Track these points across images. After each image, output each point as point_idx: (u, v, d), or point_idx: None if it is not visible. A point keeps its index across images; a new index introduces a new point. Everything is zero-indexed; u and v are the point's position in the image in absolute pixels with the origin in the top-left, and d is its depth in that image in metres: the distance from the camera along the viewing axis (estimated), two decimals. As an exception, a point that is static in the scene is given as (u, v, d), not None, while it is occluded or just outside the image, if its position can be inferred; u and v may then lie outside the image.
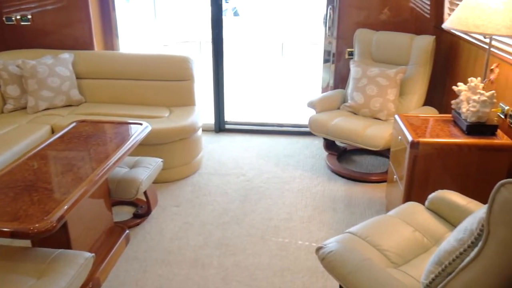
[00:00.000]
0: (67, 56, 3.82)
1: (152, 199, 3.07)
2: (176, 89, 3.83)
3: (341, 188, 3.46)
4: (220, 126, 4.54)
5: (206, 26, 4.24)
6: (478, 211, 1.48)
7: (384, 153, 3.80)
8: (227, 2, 9.49)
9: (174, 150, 3.42)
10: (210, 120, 4.53)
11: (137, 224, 2.97)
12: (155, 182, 3.26)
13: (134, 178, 2.74)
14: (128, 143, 2.58)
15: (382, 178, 3.51)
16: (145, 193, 2.97)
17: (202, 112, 3.93)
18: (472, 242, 1.43)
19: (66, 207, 1.92)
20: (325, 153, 3.98)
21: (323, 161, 3.90)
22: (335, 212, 3.13)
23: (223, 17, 4.30)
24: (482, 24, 2.35)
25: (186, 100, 3.84)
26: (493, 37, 2.57)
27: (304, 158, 3.98)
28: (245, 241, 2.82)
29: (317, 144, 4.24)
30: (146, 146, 3.29)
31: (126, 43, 4.61)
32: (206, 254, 2.69)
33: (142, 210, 3.06)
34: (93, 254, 1.99)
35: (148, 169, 2.88)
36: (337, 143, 4.02)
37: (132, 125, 2.88)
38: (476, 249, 1.37)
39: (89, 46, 4.08)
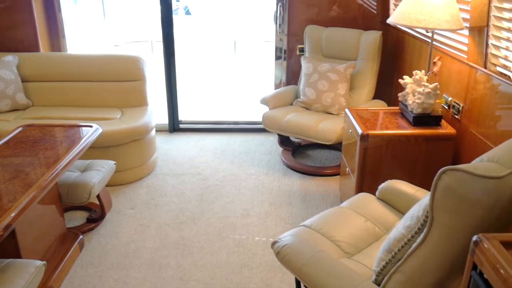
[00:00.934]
0: (11, 58, 3.67)
1: (106, 202, 3.01)
2: (128, 90, 3.77)
3: (296, 182, 3.50)
4: (175, 126, 4.49)
5: (157, 25, 4.18)
6: (424, 198, 1.53)
7: (337, 146, 3.88)
8: (178, 1, 9.38)
9: (127, 152, 3.36)
10: (164, 120, 4.48)
11: (91, 229, 2.90)
12: (109, 185, 3.20)
13: (85, 182, 2.68)
14: (78, 146, 2.52)
15: (335, 171, 3.59)
16: (98, 196, 2.90)
17: (156, 112, 3.88)
18: (418, 229, 1.48)
19: (13, 214, 1.86)
20: (280, 149, 4.02)
21: (278, 157, 3.93)
22: (291, 206, 3.17)
23: (175, 16, 4.26)
24: (424, 19, 2.44)
25: (138, 101, 3.78)
26: (435, 31, 2.67)
27: (260, 154, 4.00)
28: (203, 240, 2.81)
29: (272, 141, 4.27)
30: (98, 149, 3.22)
31: (74, 45, 4.48)
32: (163, 255, 2.67)
33: (96, 214, 2.99)
34: (44, 262, 1.93)
35: (100, 172, 2.82)
36: (292, 138, 4.07)
37: (82, 128, 2.80)
38: (422, 235, 1.43)
39: (34, 48, 3.94)
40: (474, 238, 1.03)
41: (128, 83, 3.76)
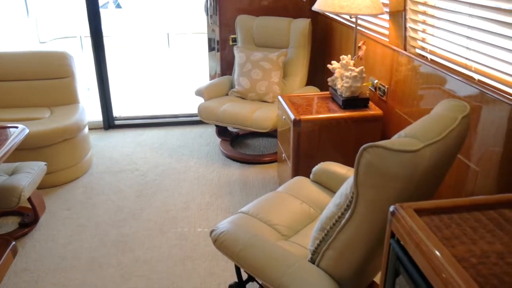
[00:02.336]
0: None
1: (38, 205, 2.90)
2: (56, 88, 3.63)
3: (235, 172, 3.53)
4: (109, 123, 4.39)
5: (85, 19, 4.03)
6: (351, 177, 1.60)
7: (274, 134, 3.94)
8: (108, -6, 9.11)
9: (59, 152, 3.25)
10: (99, 117, 4.36)
11: (25, 234, 2.79)
12: (41, 187, 3.09)
13: (14, 186, 2.57)
14: (3, 148, 2.40)
15: (274, 158, 3.65)
16: (29, 200, 2.80)
17: (90, 110, 3.76)
18: (347, 205, 1.54)
19: None
20: (218, 140, 4.03)
21: (217, 148, 3.94)
22: (231, 196, 3.20)
23: (105, 10, 4.14)
24: (347, 5, 2.52)
25: (68, 99, 3.65)
26: (358, 16, 2.77)
27: (198, 146, 4.00)
28: (143, 236, 2.78)
29: (210, 132, 4.27)
30: (28, 151, 3.09)
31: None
32: (102, 254, 2.62)
33: (28, 219, 2.88)
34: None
35: (30, 174, 2.71)
36: (229, 128, 4.09)
37: (7, 129, 2.68)
38: (349, 211, 1.49)
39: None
40: (391, 208, 1.09)
41: (56, 80, 3.62)
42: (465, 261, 0.94)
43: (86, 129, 3.56)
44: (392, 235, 1.10)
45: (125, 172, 3.56)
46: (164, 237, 2.77)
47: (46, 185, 3.23)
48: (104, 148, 3.98)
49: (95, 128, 4.36)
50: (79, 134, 3.38)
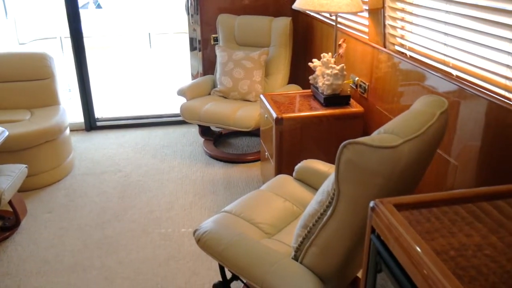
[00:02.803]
0: None
1: (19, 208, 2.86)
2: (36, 89, 3.58)
3: (219, 171, 3.53)
4: (91, 124, 4.34)
5: (65, 20, 3.99)
6: (333, 174, 1.61)
7: (258, 133, 3.94)
8: (87, -5, 9.01)
9: (40, 154, 3.21)
10: (81, 118, 4.31)
11: (6, 238, 2.75)
12: (22, 190, 3.04)
13: (-6, 189, 2.53)
14: (-19, 151, 2.37)
15: (257, 157, 3.65)
16: (10, 203, 2.75)
17: (71, 111, 3.72)
18: (329, 202, 1.56)
19: None
20: (201, 140, 4.02)
21: (200, 148, 3.94)
22: (215, 195, 3.19)
23: (85, 10, 4.10)
24: (326, 3, 2.53)
25: (49, 100, 3.61)
26: (338, 14, 2.79)
27: (182, 146, 3.98)
28: (127, 237, 2.76)
29: (193, 132, 4.26)
30: (8, 153, 3.04)
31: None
32: (86, 256, 2.59)
33: (9, 222, 2.84)
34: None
35: (10, 177, 2.67)
36: (213, 128, 4.08)
37: (-15, 132, 2.64)
38: (331, 208, 1.50)
39: None
40: (371, 204, 1.10)
41: (36, 82, 3.57)
42: (444, 254, 0.95)
43: (68, 131, 3.52)
44: (373, 231, 1.11)
45: (107, 173, 3.53)
46: (148, 238, 2.75)
47: (27, 188, 3.19)
48: (86, 149, 3.94)
49: (76, 130, 4.31)
50: (60, 136, 3.34)
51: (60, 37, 6.35)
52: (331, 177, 1.59)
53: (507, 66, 1.62)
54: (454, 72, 1.94)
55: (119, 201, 3.14)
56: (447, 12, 1.92)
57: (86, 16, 3.81)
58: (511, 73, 1.61)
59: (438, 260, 0.92)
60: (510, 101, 1.62)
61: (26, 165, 2.87)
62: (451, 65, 1.97)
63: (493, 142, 1.69)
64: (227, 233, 1.78)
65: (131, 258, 2.58)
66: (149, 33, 8.07)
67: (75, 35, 4.03)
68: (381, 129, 1.45)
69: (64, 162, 3.43)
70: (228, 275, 2.13)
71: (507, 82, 1.64)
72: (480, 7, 1.71)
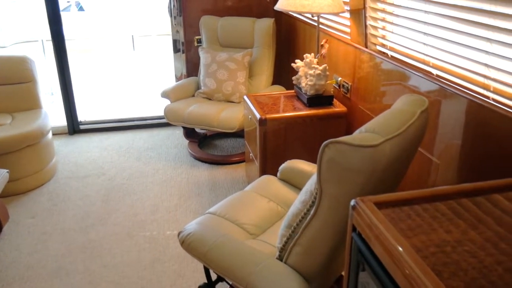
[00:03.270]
0: None
1: (1, 214, 2.81)
2: (17, 93, 3.53)
3: (204, 173, 3.52)
4: (74, 128, 4.30)
5: (46, 23, 3.94)
6: (315, 173, 1.62)
7: (242, 134, 3.94)
8: (69, -3, 8.92)
9: (21, 159, 3.17)
10: (63, 122, 4.27)
11: (-12, 244, 2.71)
12: (3, 195, 3.00)
13: (-26, 194, 2.49)
14: (-39, 156, 2.33)
15: (241, 158, 3.65)
16: (-9, 209, 2.72)
17: (54, 115, 3.68)
18: (312, 202, 1.56)
19: None
20: (186, 142, 4.01)
21: (185, 150, 3.92)
22: (200, 197, 3.18)
23: (67, 13, 4.06)
24: (308, 4, 2.54)
25: (30, 104, 3.56)
26: (320, 15, 2.80)
27: (166, 149, 3.96)
28: (111, 241, 2.74)
29: (178, 134, 4.24)
30: (-12, 158, 3.00)
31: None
32: (69, 261, 2.56)
33: (-9, 228, 2.80)
34: None
35: (-9, 182, 2.63)
36: (197, 130, 4.07)
37: (-35, 137, 2.60)
38: (314, 207, 1.51)
39: None
40: (352, 202, 1.11)
41: (17, 85, 3.53)
42: (425, 250, 0.96)
43: (50, 135, 3.48)
44: (354, 229, 1.11)
45: (91, 177, 3.50)
46: (133, 241, 2.73)
47: (9, 193, 3.14)
48: (69, 153, 3.90)
49: (59, 133, 4.27)
50: (42, 139, 3.30)
51: (42, 40, 6.28)
52: (314, 177, 1.60)
53: (486, 65, 1.64)
54: (434, 72, 1.97)
55: (103, 205, 3.12)
56: (426, 12, 1.94)
57: (68, 19, 3.77)
58: (490, 72, 1.64)
59: (418, 258, 0.92)
60: (489, 99, 1.64)
61: (7, 170, 2.83)
62: (431, 65, 1.99)
63: (473, 140, 1.72)
64: (211, 234, 1.78)
65: (115, 261, 2.55)
66: (132, 35, 8.01)
67: (57, 37, 3.99)
68: (362, 128, 1.46)
69: (46, 166, 3.39)
70: (214, 276, 2.13)
71: (486, 81, 1.66)
72: (458, 7, 1.73)
